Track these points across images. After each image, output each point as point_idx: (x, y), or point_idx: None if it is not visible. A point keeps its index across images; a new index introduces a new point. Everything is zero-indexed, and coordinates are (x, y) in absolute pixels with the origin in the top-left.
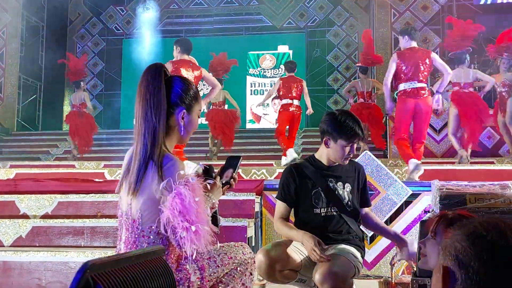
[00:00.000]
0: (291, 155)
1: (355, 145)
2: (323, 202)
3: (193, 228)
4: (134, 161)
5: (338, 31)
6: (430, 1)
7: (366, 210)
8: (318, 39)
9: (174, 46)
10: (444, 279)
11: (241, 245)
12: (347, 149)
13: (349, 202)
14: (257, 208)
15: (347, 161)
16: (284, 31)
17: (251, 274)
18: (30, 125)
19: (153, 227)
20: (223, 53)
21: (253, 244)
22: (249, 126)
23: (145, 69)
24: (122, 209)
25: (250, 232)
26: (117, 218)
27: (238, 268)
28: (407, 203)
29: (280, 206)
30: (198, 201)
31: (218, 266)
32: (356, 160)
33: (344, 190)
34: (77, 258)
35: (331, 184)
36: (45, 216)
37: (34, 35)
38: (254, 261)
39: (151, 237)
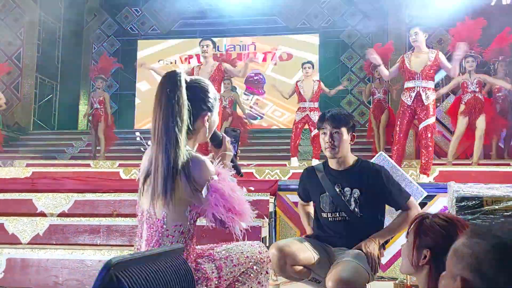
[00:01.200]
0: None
1: (329, 134)
2: (330, 207)
3: (243, 225)
4: (156, 171)
5: (352, 32)
6: None
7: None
8: (332, 39)
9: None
10: None
11: (257, 244)
12: (322, 137)
13: (356, 209)
14: (271, 209)
15: (329, 153)
16: (298, 31)
17: (267, 272)
18: (46, 124)
19: (177, 226)
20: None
21: (267, 244)
22: (262, 126)
23: (162, 78)
24: (143, 207)
25: (265, 232)
26: (132, 217)
27: (255, 267)
28: (422, 204)
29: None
30: (234, 190)
31: (235, 265)
32: (371, 160)
33: (351, 196)
34: (94, 256)
35: (337, 189)
36: (62, 215)
37: (51, 35)
38: (270, 260)
39: (175, 236)
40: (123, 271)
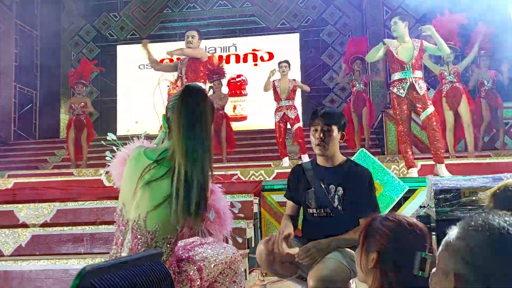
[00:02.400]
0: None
1: (320, 130)
2: (316, 203)
3: (225, 233)
4: (190, 189)
5: (332, 30)
6: None
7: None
8: (312, 38)
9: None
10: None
11: (228, 246)
12: (312, 133)
13: (339, 207)
14: (256, 209)
15: (318, 150)
16: (278, 31)
17: (242, 272)
18: (27, 134)
19: (167, 238)
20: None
21: (253, 245)
22: (247, 127)
23: (188, 91)
24: (129, 217)
25: (250, 233)
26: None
27: (231, 267)
28: (404, 199)
29: (287, 204)
30: (226, 207)
31: (214, 266)
32: (352, 157)
33: (335, 194)
34: (78, 265)
35: (323, 186)
36: (44, 225)
37: (28, 44)
38: (241, 260)
39: (163, 247)
40: (99, 278)
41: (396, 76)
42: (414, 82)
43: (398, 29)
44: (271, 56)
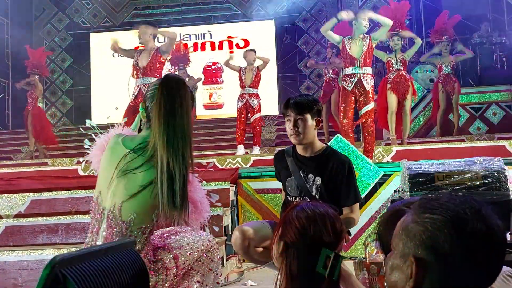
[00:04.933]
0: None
1: (293, 120)
2: (295, 191)
3: (202, 222)
4: (173, 181)
5: (307, 17)
6: None
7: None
8: (288, 25)
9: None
10: (419, 271)
11: (205, 233)
12: (287, 124)
13: (317, 196)
14: (232, 197)
15: (294, 139)
16: (253, 18)
17: (218, 259)
18: None
19: (142, 228)
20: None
21: (230, 233)
22: (223, 115)
23: (168, 81)
24: (105, 205)
25: (226, 220)
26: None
27: (207, 255)
28: (380, 184)
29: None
30: (203, 196)
31: (190, 254)
32: (329, 143)
33: (314, 183)
34: (53, 255)
35: (302, 175)
36: (18, 216)
37: None
38: (218, 247)
39: (138, 236)
40: (69, 268)
41: (347, 71)
42: (362, 77)
43: (363, 27)
44: (246, 43)
